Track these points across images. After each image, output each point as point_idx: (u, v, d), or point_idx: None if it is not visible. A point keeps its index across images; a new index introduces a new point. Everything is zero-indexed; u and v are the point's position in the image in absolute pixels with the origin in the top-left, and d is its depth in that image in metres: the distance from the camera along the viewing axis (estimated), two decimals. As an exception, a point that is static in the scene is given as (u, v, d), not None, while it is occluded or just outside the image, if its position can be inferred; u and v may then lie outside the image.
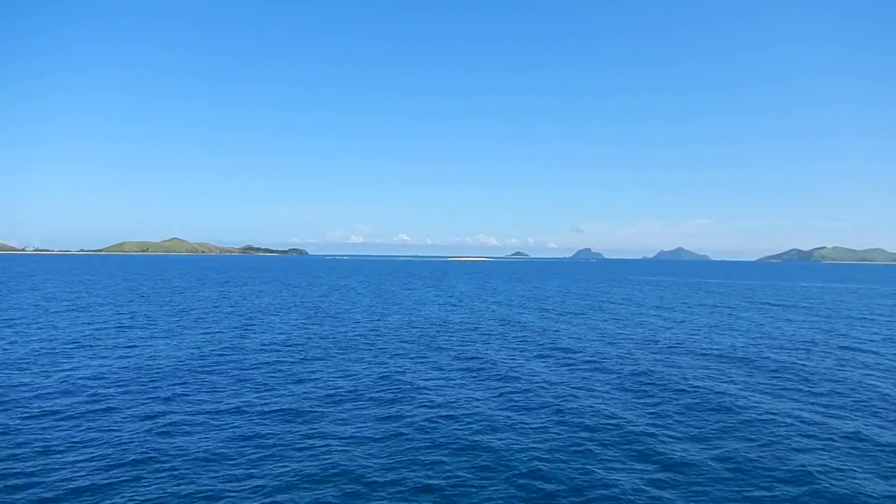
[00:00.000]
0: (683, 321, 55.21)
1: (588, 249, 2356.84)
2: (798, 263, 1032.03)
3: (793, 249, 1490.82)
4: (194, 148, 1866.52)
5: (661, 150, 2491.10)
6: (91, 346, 36.87)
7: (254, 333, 43.27)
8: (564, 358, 34.87)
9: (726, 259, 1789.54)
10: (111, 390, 25.22)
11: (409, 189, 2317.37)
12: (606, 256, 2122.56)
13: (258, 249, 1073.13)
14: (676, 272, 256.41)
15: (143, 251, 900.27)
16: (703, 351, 37.97)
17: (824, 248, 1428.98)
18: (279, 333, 43.44)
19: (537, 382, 28.00)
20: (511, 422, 21.65)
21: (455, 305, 69.36)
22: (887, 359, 36.12)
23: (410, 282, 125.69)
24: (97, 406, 22.78)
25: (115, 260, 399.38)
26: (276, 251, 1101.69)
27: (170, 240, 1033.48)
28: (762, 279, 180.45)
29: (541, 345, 39.74)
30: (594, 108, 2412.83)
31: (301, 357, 33.99)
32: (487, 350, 37.33)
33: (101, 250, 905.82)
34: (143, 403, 23.09)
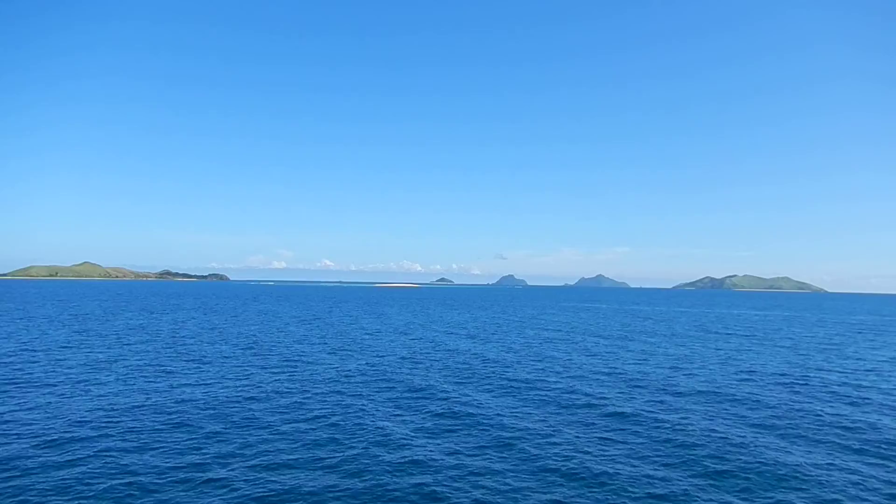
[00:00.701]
0: (681, 356, 52.09)
1: (511, 276, 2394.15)
2: (712, 290, 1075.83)
3: (706, 277, 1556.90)
4: (107, 170, 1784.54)
5: (581, 175, 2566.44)
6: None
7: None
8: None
9: (644, 286, 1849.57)
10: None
11: (333, 215, 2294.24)
12: (530, 283, 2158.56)
13: (176, 275, 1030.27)
14: (610, 299, 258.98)
15: (51, 275, 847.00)
16: (702, 388, 34.39)
17: (735, 276, 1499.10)
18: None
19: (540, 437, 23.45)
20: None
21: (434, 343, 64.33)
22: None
23: (371, 309, 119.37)
24: None
25: (21, 284, 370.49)
26: (194, 276, 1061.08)
27: (81, 264, 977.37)
28: (698, 307, 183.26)
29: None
30: (514, 133, 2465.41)
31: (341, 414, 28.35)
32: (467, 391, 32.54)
33: (6, 274, 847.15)
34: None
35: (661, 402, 30.27)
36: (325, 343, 54.51)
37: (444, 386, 33.73)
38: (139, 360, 41.18)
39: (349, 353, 47.87)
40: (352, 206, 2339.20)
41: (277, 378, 35.07)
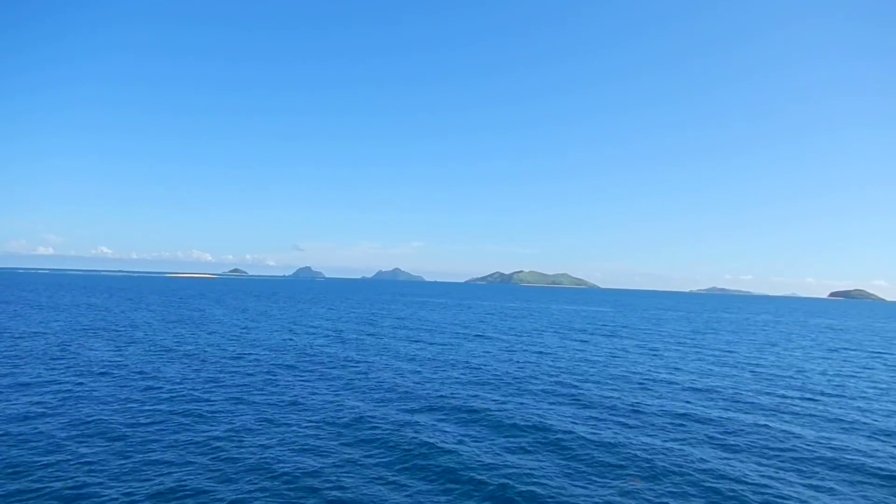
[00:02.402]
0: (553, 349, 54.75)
1: (309, 268, 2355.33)
2: (502, 285, 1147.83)
3: (496, 272, 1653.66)
4: None
5: (379, 170, 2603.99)
6: None
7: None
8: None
9: (439, 280, 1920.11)
10: None
11: (110, 198, 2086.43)
12: (328, 275, 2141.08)
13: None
14: (421, 293, 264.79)
15: None
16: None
17: (522, 271, 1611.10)
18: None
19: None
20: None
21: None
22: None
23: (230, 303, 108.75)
24: None
25: None
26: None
27: None
28: (505, 301, 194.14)
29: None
30: (318, 129, 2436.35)
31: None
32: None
33: None
34: None
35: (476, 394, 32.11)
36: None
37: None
38: None
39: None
40: (132, 187, 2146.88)
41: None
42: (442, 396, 31.31)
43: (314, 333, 62.28)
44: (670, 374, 42.36)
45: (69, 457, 19.60)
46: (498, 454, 21.56)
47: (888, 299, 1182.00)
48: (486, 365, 43.35)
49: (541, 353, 52.20)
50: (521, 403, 30.21)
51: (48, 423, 23.49)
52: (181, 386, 31.68)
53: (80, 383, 31.40)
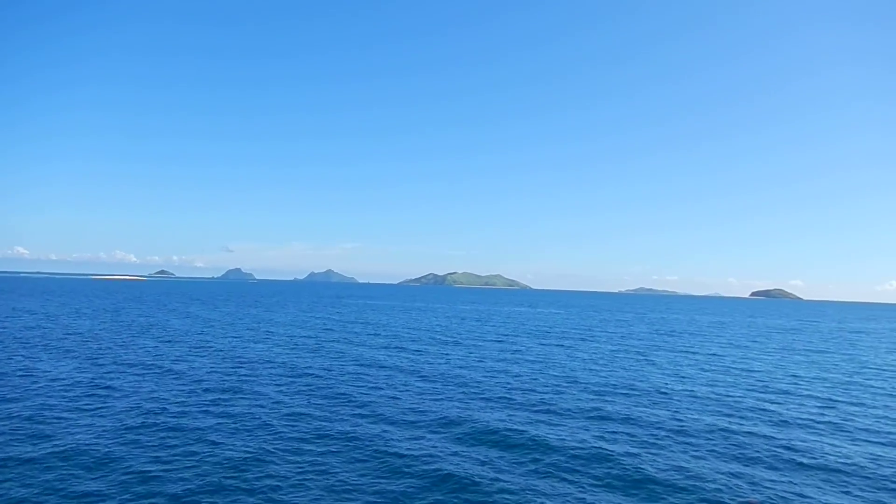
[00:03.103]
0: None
1: (239, 269, 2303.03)
2: (436, 286, 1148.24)
3: (430, 274, 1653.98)
4: None
5: (311, 170, 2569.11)
6: None
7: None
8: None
9: (372, 281, 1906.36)
10: None
11: (25, 192, 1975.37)
12: (258, 277, 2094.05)
13: None
14: (354, 295, 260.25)
15: None
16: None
17: (455, 273, 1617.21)
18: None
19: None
20: None
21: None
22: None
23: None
24: None
25: None
26: None
27: None
28: (453, 303, 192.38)
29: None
30: (245, 129, 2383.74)
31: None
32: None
33: None
34: None
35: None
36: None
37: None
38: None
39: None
40: (50, 186, 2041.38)
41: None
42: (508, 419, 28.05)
43: (300, 346, 57.73)
44: (679, 382, 40.48)
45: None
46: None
47: (805, 298, 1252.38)
48: (510, 379, 40.35)
49: (538, 361, 49.57)
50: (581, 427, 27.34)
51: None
52: (200, 408, 27.32)
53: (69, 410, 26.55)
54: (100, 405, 27.91)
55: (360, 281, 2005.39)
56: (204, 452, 20.99)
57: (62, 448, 20.92)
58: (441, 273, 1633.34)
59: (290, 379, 36.93)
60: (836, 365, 54.36)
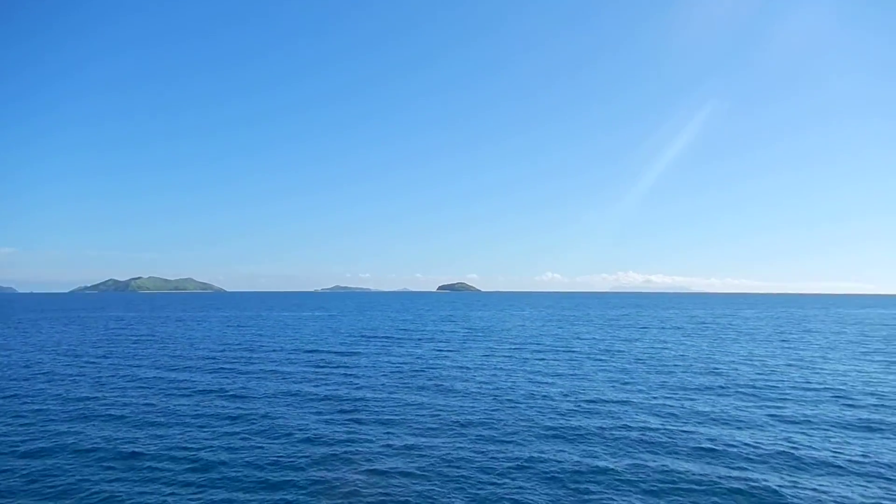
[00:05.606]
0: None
1: None
2: (118, 294, 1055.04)
3: (110, 280, 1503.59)
4: None
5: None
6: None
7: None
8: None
9: (36, 291, 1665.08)
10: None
11: None
12: None
13: None
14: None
15: None
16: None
17: (141, 278, 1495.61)
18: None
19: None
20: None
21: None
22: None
23: None
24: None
25: None
26: None
27: None
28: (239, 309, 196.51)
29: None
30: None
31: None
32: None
33: None
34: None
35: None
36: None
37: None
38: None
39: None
40: None
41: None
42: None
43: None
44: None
45: None
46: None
47: (483, 290, 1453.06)
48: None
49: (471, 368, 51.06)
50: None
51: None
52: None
53: None
54: None
55: (21, 290, 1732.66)
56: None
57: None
58: (123, 279, 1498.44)
59: None
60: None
